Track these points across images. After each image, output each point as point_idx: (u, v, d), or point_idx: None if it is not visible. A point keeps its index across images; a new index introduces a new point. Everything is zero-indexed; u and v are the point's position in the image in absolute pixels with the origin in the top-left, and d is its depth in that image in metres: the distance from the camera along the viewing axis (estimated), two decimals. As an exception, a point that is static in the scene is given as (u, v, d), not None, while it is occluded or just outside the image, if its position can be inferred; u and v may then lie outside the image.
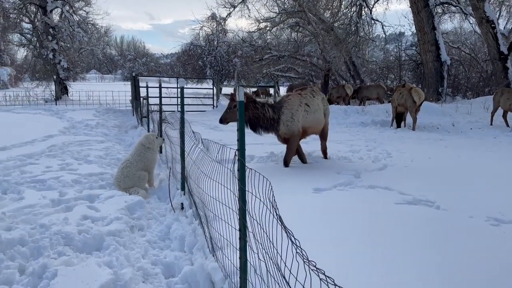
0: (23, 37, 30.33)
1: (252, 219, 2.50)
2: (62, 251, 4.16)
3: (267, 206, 1.99)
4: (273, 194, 1.94)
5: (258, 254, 2.36)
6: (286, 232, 1.70)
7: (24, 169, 7.58)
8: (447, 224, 4.62)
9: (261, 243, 2.28)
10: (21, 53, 37.66)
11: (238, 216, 2.78)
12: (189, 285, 3.70)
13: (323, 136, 8.31)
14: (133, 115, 18.49)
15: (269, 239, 2.12)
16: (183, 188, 5.70)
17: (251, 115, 7.17)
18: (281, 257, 1.92)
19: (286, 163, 7.50)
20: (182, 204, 5.49)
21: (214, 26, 35.59)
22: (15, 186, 6.49)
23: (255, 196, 2.28)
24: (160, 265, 4.15)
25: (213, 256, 3.70)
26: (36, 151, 9.37)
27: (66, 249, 4.23)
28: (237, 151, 2.75)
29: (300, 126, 7.43)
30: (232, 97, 7.35)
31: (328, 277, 1.42)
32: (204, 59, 34.76)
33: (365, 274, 3.32)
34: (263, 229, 2.23)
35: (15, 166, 7.80)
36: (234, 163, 2.77)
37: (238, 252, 2.86)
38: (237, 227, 2.85)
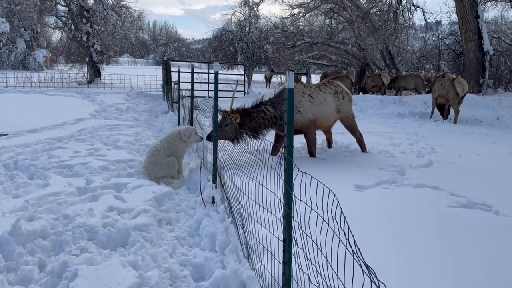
0: (58, 20, 30.62)
1: (301, 230, 2.08)
2: (85, 246, 3.86)
3: (331, 228, 1.57)
4: (343, 216, 1.49)
5: (309, 276, 1.95)
6: (363, 268, 1.27)
7: (52, 153, 7.40)
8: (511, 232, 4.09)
9: (313, 263, 1.86)
10: (56, 36, 38.05)
11: (282, 224, 2.36)
12: (221, 292, 3.34)
13: (351, 130, 7.78)
14: (164, 100, 18.28)
15: (327, 259, 1.70)
16: (214, 181, 5.32)
17: (249, 127, 6.62)
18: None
19: (312, 154, 7.16)
20: (213, 198, 5.12)
21: (247, 12, 34.99)
22: (42, 171, 6.29)
23: (316, 212, 1.84)
24: (189, 266, 3.79)
25: (248, 261, 3.31)
26: (65, 134, 9.21)
27: (89, 244, 3.94)
28: (283, 148, 2.33)
29: (311, 116, 6.97)
30: (224, 114, 6.57)
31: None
32: (236, 45, 34.24)
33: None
34: (317, 246, 1.81)
35: (44, 150, 7.63)
36: (279, 162, 2.35)
37: (279, 265, 2.45)
38: (280, 236, 2.44)
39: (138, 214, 4.73)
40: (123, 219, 4.54)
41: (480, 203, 4.85)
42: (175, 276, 3.63)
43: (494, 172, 6.53)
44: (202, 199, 5.22)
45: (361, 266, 1.31)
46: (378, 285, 1.19)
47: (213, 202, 5.10)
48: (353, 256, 1.39)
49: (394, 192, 5.25)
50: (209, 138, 6.44)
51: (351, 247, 1.39)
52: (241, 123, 6.54)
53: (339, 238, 1.51)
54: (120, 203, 5.04)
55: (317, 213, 1.76)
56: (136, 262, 3.60)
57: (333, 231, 1.57)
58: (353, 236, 1.42)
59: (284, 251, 2.35)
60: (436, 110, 14.14)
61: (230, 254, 3.72)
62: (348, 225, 1.46)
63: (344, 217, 1.50)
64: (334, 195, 1.62)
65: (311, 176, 1.91)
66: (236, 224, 3.87)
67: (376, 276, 1.22)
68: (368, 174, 5.97)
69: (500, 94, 21.75)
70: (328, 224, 1.63)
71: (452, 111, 13.83)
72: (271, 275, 2.66)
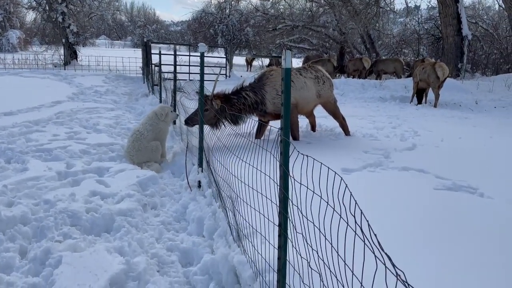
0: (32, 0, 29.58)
1: (301, 214, 2.01)
2: (67, 232, 3.73)
3: (337, 213, 1.50)
4: (354, 200, 1.42)
5: (308, 261, 1.89)
6: (377, 254, 1.21)
7: (30, 137, 7.16)
8: (496, 214, 4.13)
9: (315, 248, 1.80)
10: (30, 16, 36.94)
11: (278, 208, 2.29)
12: (210, 277, 3.27)
13: (333, 114, 7.71)
14: (144, 82, 17.93)
15: (331, 244, 1.64)
16: (200, 164, 5.22)
17: (229, 113, 6.36)
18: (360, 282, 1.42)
19: (295, 137, 7.02)
20: (199, 182, 5.02)
21: (227, -7, 34.43)
22: (20, 155, 6.07)
23: (322, 198, 1.77)
24: (177, 252, 3.71)
25: (239, 246, 3.24)
26: (43, 117, 8.92)
27: (72, 230, 3.81)
28: (280, 130, 2.25)
29: (292, 100, 6.81)
30: (204, 99, 6.06)
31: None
32: (216, 28, 33.73)
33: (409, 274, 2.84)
34: (320, 230, 1.74)
35: (21, 133, 7.37)
36: (275, 144, 2.27)
37: (274, 250, 2.39)
38: (275, 221, 2.38)
39: (122, 199, 4.61)
40: (107, 204, 4.42)
41: (465, 186, 4.89)
42: (163, 261, 3.55)
43: (476, 155, 6.60)
44: (188, 183, 5.13)
45: (373, 253, 1.25)
46: (396, 273, 1.13)
47: (199, 186, 5.01)
48: (364, 242, 1.33)
49: (380, 175, 5.25)
50: (187, 122, 6.28)
51: (362, 232, 1.32)
52: (221, 109, 6.40)
53: (347, 222, 1.44)
54: (103, 188, 4.91)
55: (321, 197, 1.69)
56: (122, 248, 3.50)
57: (340, 215, 1.51)
58: (367, 221, 1.36)
59: (279, 235, 2.29)
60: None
61: (219, 239, 3.65)
62: (361, 210, 1.39)
63: (355, 201, 1.43)
64: (341, 179, 1.55)
65: (314, 159, 1.84)
66: (225, 209, 3.79)
67: (394, 265, 1.15)
68: (354, 158, 5.95)
69: (477, 78, 22.08)
70: (334, 209, 1.57)
71: (429, 95, 13.97)
72: (265, 260, 2.60)
